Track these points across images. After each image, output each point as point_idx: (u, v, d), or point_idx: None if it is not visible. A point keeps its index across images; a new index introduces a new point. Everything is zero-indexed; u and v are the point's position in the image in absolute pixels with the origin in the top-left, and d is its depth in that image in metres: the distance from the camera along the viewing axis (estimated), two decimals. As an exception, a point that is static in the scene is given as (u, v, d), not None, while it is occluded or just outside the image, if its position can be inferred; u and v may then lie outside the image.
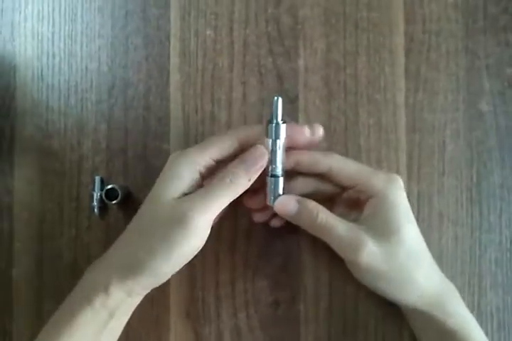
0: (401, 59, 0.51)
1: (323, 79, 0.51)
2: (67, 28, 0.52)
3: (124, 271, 0.42)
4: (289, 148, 0.44)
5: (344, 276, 0.48)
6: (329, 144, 0.51)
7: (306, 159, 0.45)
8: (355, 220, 0.45)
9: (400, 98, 0.51)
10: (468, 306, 0.45)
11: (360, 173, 0.44)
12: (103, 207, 0.50)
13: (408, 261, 0.43)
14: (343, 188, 0.46)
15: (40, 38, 0.52)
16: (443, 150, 0.51)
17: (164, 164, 0.44)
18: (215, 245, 0.50)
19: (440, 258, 0.50)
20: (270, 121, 0.42)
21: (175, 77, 0.51)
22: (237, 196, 0.42)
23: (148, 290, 0.45)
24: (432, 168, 0.51)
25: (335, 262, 0.48)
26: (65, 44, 0.52)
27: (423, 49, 0.51)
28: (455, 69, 0.51)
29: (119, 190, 0.48)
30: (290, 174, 0.45)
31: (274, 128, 0.42)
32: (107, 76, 0.52)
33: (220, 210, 0.42)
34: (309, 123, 0.50)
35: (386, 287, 0.44)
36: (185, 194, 0.42)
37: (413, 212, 0.45)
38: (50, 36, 0.52)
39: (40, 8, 0.52)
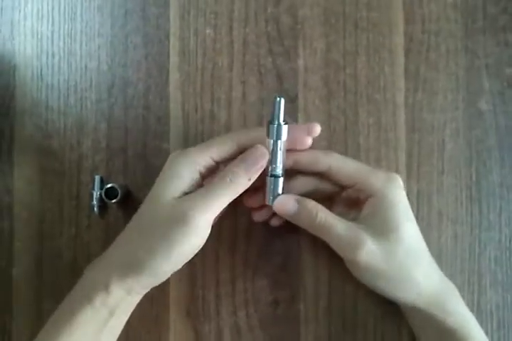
0: (400, 59, 0.51)
1: (323, 79, 0.51)
2: (66, 26, 0.52)
3: (124, 270, 0.42)
4: (288, 148, 0.44)
5: (343, 275, 0.48)
6: (329, 143, 0.51)
7: (305, 158, 0.45)
8: (354, 219, 0.45)
9: (400, 98, 0.51)
10: (467, 304, 0.46)
11: (360, 172, 0.44)
12: (103, 206, 0.50)
13: (407, 260, 0.43)
14: (343, 187, 0.46)
15: (39, 36, 0.52)
16: (442, 149, 0.51)
17: (164, 163, 0.44)
18: (215, 244, 0.50)
19: (440, 256, 0.50)
20: (271, 122, 0.42)
21: (174, 76, 0.51)
22: (237, 195, 0.42)
23: (148, 289, 0.45)
24: (431, 166, 0.51)
25: (334, 261, 0.48)
26: (64, 43, 0.52)
27: (422, 49, 0.51)
28: (454, 69, 0.51)
29: (118, 189, 0.48)
30: (289, 173, 0.46)
31: (275, 129, 0.42)
32: (106, 75, 0.52)
33: (221, 209, 0.42)
34: (309, 122, 0.50)
35: (385, 285, 0.44)
36: (185, 193, 0.42)
37: (412, 211, 0.45)
38: (49, 35, 0.52)
39: (40, 7, 0.52)
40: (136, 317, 0.47)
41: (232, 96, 0.51)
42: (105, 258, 0.44)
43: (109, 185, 0.49)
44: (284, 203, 0.44)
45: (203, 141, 0.50)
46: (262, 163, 0.42)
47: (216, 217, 0.43)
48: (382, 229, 0.43)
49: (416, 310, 0.45)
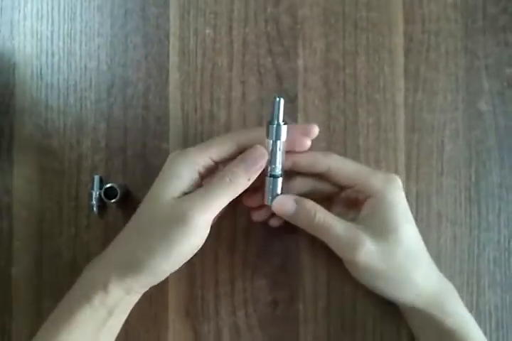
0: (400, 59, 0.51)
1: (323, 79, 0.51)
2: (66, 26, 0.52)
3: (123, 269, 0.42)
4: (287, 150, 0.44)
5: (342, 276, 0.48)
6: (328, 144, 0.51)
7: (304, 159, 0.45)
8: (353, 220, 0.45)
9: (399, 98, 0.51)
10: (466, 305, 0.46)
11: (359, 173, 0.44)
12: (102, 205, 0.50)
13: (406, 261, 0.43)
14: (342, 188, 0.46)
15: (39, 36, 0.52)
16: (442, 149, 0.51)
17: (163, 163, 0.44)
18: (214, 244, 0.50)
19: (439, 257, 0.50)
20: (271, 122, 0.42)
21: (174, 76, 0.51)
22: (237, 195, 0.42)
23: (146, 288, 0.45)
24: (430, 167, 0.51)
25: (333, 262, 0.48)
26: (64, 43, 0.52)
27: (422, 49, 0.51)
28: (454, 69, 0.51)
29: (118, 189, 0.48)
30: (288, 173, 0.46)
31: (275, 129, 0.42)
32: (106, 75, 0.52)
33: (220, 209, 0.42)
34: (308, 122, 0.50)
35: (384, 286, 0.44)
36: (185, 193, 0.42)
37: (412, 212, 0.45)
38: (49, 35, 0.52)
39: (40, 7, 0.52)
40: (134, 316, 0.47)
41: (231, 96, 0.51)
42: (104, 257, 0.44)
43: (108, 185, 0.49)
44: (283, 203, 0.44)
45: (202, 141, 0.50)
46: (262, 163, 0.42)
47: (215, 217, 0.43)
48: (381, 230, 0.43)
49: (415, 311, 0.45)
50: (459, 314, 0.44)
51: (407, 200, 0.45)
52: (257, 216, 0.48)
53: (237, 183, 0.42)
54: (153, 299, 0.50)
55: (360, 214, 0.45)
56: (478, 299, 0.50)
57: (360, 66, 0.51)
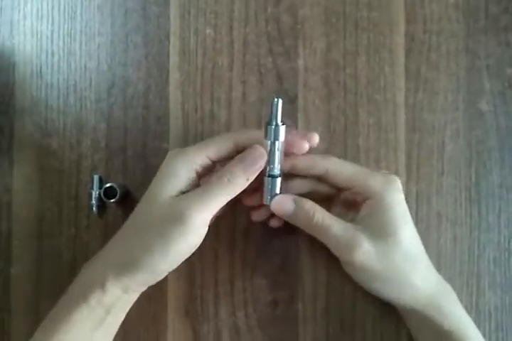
0: (401, 59, 0.51)
1: (323, 79, 0.51)
2: (66, 26, 0.52)
3: (120, 268, 0.42)
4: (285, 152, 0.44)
5: (342, 276, 0.48)
6: (328, 144, 0.51)
7: (302, 162, 0.45)
8: (352, 220, 0.45)
9: (400, 98, 0.51)
10: (466, 306, 0.46)
11: (357, 176, 0.44)
12: (102, 205, 0.50)
13: (405, 263, 0.43)
14: (340, 190, 0.46)
15: (39, 36, 0.52)
16: (442, 150, 0.51)
17: (163, 163, 0.44)
18: (213, 243, 0.50)
19: (439, 258, 0.50)
20: (269, 123, 0.42)
21: (174, 76, 0.51)
22: (235, 195, 0.42)
23: (144, 287, 0.45)
24: (431, 167, 0.51)
25: (333, 262, 0.48)
26: (64, 42, 0.52)
27: (423, 49, 0.51)
28: (455, 69, 0.51)
29: (117, 189, 0.48)
30: (288, 174, 0.46)
31: (273, 130, 0.42)
32: (106, 74, 0.52)
33: (218, 209, 0.42)
34: (309, 122, 0.50)
35: (381, 287, 0.44)
36: (182, 192, 0.42)
37: (412, 212, 0.45)
38: (49, 34, 0.52)
39: (40, 7, 0.52)
40: (134, 315, 0.47)
41: (232, 96, 0.51)
42: (102, 256, 0.44)
43: (108, 185, 0.49)
44: (282, 203, 0.44)
45: (202, 140, 0.50)
46: (261, 164, 0.42)
47: (214, 216, 0.43)
48: (380, 231, 0.43)
49: (413, 312, 0.45)
50: (456, 315, 0.44)
51: (407, 200, 0.45)
52: (257, 216, 0.48)
53: (236, 183, 0.42)
54: (153, 298, 0.50)
55: (359, 215, 0.45)
56: (478, 300, 0.50)
57: (361, 66, 0.51)
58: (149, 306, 0.50)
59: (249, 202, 0.47)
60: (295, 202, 0.44)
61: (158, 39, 0.51)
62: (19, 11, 0.52)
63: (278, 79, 0.51)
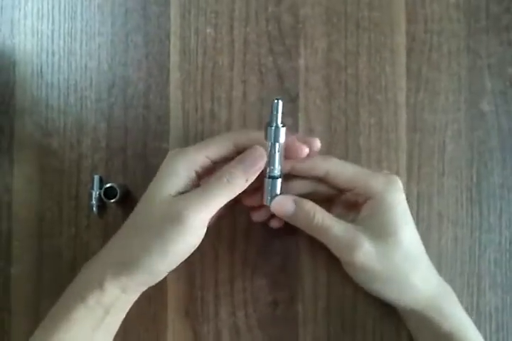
0: (402, 59, 0.51)
1: (324, 79, 0.51)
2: (66, 25, 0.52)
3: (118, 268, 0.42)
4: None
5: (342, 277, 0.48)
6: (329, 144, 0.51)
7: (302, 165, 0.45)
8: (352, 221, 0.45)
9: (401, 98, 0.51)
10: (467, 307, 0.46)
11: (358, 176, 0.44)
12: (102, 205, 0.50)
13: (405, 264, 0.43)
14: (341, 191, 0.46)
15: (39, 35, 0.52)
16: (443, 150, 0.50)
17: (163, 163, 0.44)
18: (214, 243, 0.50)
19: (439, 258, 0.50)
20: (270, 124, 0.42)
21: (175, 76, 0.51)
22: (235, 196, 0.42)
23: (144, 288, 0.45)
24: (432, 168, 0.50)
25: (333, 262, 0.48)
26: (64, 42, 0.52)
27: (425, 49, 0.51)
28: (457, 69, 0.51)
29: (117, 189, 0.48)
30: (288, 174, 0.45)
31: (273, 132, 0.42)
32: (106, 74, 0.51)
33: (217, 210, 0.42)
34: (309, 122, 0.50)
35: (381, 288, 0.44)
36: (182, 192, 0.42)
37: (412, 213, 0.45)
38: (49, 34, 0.52)
39: (40, 6, 0.52)
40: (134, 315, 0.47)
41: (232, 96, 0.51)
42: (101, 256, 0.44)
43: (108, 185, 0.49)
44: (282, 204, 0.44)
45: (203, 140, 0.50)
46: (260, 165, 0.42)
47: (214, 217, 0.43)
48: (381, 231, 0.43)
49: (413, 313, 0.45)
50: (457, 317, 0.44)
51: (408, 201, 0.45)
52: (257, 216, 0.48)
53: (235, 184, 0.42)
54: (153, 298, 0.50)
55: (360, 215, 0.45)
56: (479, 300, 0.50)
57: (362, 66, 0.51)
58: (149, 306, 0.50)
59: (250, 202, 0.47)
60: (295, 202, 0.44)
61: (159, 39, 0.51)
62: (20, 10, 0.52)
63: (279, 79, 0.51)
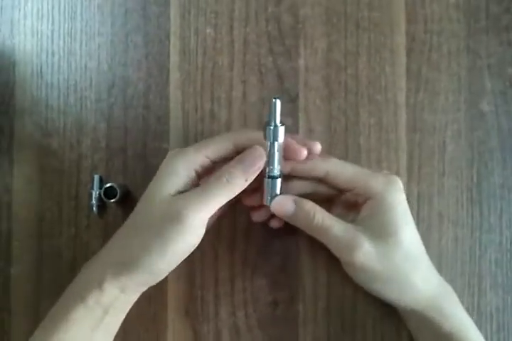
0: (402, 59, 0.51)
1: (324, 79, 0.51)
2: (66, 26, 0.52)
3: (118, 267, 0.42)
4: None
5: (342, 277, 0.48)
6: (329, 144, 0.51)
7: (302, 165, 0.45)
8: (353, 221, 0.44)
9: (401, 98, 0.51)
10: (467, 307, 0.46)
11: (358, 177, 0.44)
12: (102, 205, 0.50)
13: (405, 263, 0.43)
14: (341, 191, 0.46)
15: (39, 35, 0.52)
16: (443, 150, 0.50)
17: (163, 163, 0.44)
18: (214, 243, 0.50)
19: (440, 258, 0.50)
20: (268, 124, 0.42)
21: (175, 76, 0.51)
22: (234, 196, 0.42)
23: (144, 288, 0.44)
24: (432, 168, 0.50)
25: (333, 263, 0.48)
26: (64, 42, 0.52)
27: (424, 49, 0.51)
28: (456, 69, 0.51)
29: (117, 189, 0.48)
30: (287, 175, 0.45)
31: (272, 131, 0.42)
32: (106, 74, 0.51)
33: (216, 209, 0.42)
34: (309, 122, 0.50)
35: (382, 288, 0.44)
36: (181, 192, 0.42)
37: (413, 213, 0.45)
38: (49, 34, 0.52)
39: (40, 6, 0.52)
40: (134, 315, 0.47)
41: (232, 96, 0.51)
42: (101, 256, 0.44)
43: (108, 185, 0.49)
44: (282, 204, 0.44)
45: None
46: (260, 165, 0.42)
47: (214, 217, 0.43)
48: (381, 231, 0.43)
49: (413, 313, 0.45)
50: (457, 317, 0.44)
51: (409, 201, 0.45)
52: (257, 216, 0.48)
53: (234, 184, 0.42)
54: (153, 298, 0.50)
55: (360, 215, 0.45)
56: (480, 301, 0.50)
57: (362, 66, 0.51)
58: (149, 306, 0.50)
59: (250, 202, 0.47)
60: (295, 202, 0.44)
61: (159, 39, 0.51)
62: (19, 11, 0.52)
63: (279, 79, 0.51)
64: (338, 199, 0.47)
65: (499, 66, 0.51)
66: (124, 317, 0.45)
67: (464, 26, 0.51)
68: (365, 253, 0.42)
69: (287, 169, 0.44)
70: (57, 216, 0.51)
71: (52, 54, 0.52)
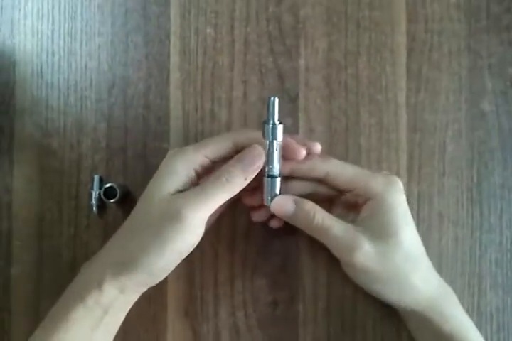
0: (403, 58, 0.51)
1: (324, 79, 0.51)
2: (66, 25, 0.52)
3: (118, 268, 0.42)
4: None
5: (342, 277, 0.48)
6: (330, 144, 0.51)
7: (302, 166, 0.44)
8: (353, 221, 0.44)
9: (402, 98, 0.51)
10: (467, 307, 0.46)
11: (358, 177, 0.44)
12: (102, 205, 0.50)
13: (405, 264, 0.43)
14: (341, 192, 0.45)
15: (39, 35, 0.52)
16: (443, 150, 0.50)
17: (164, 163, 0.44)
18: (213, 243, 0.50)
19: (440, 258, 0.50)
20: (266, 122, 0.42)
21: (175, 76, 0.51)
22: (233, 195, 0.42)
23: (144, 288, 0.44)
24: (432, 168, 0.50)
25: (333, 263, 0.48)
26: (64, 42, 0.52)
27: (425, 48, 0.51)
28: (457, 68, 0.51)
29: (117, 189, 0.48)
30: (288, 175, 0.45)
31: (270, 129, 0.42)
32: (106, 74, 0.51)
33: (215, 208, 0.42)
34: (310, 122, 0.50)
35: (381, 289, 0.44)
36: (181, 191, 0.42)
37: (413, 213, 0.45)
38: (49, 34, 0.52)
39: (40, 6, 0.52)
40: (133, 315, 0.47)
41: (232, 96, 0.51)
42: (100, 256, 0.44)
43: (108, 185, 0.49)
44: (282, 204, 0.44)
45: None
46: (259, 164, 0.42)
47: (213, 216, 0.43)
48: (381, 232, 0.43)
49: (413, 314, 0.45)
50: (457, 318, 0.44)
51: (409, 201, 0.45)
52: (257, 216, 0.48)
53: (234, 183, 0.42)
54: (152, 299, 0.50)
55: (360, 216, 0.45)
56: (480, 301, 0.50)
57: (362, 66, 0.51)
58: (149, 307, 0.50)
59: (250, 202, 0.47)
60: (295, 202, 0.44)
61: (159, 39, 0.51)
62: (20, 10, 0.52)
63: (279, 79, 0.51)
64: (338, 199, 0.47)
65: (500, 66, 0.51)
66: (123, 317, 0.45)
67: (465, 26, 0.51)
68: (365, 254, 0.42)
69: (287, 170, 0.44)
70: (57, 216, 0.51)
71: (53, 54, 0.52)
